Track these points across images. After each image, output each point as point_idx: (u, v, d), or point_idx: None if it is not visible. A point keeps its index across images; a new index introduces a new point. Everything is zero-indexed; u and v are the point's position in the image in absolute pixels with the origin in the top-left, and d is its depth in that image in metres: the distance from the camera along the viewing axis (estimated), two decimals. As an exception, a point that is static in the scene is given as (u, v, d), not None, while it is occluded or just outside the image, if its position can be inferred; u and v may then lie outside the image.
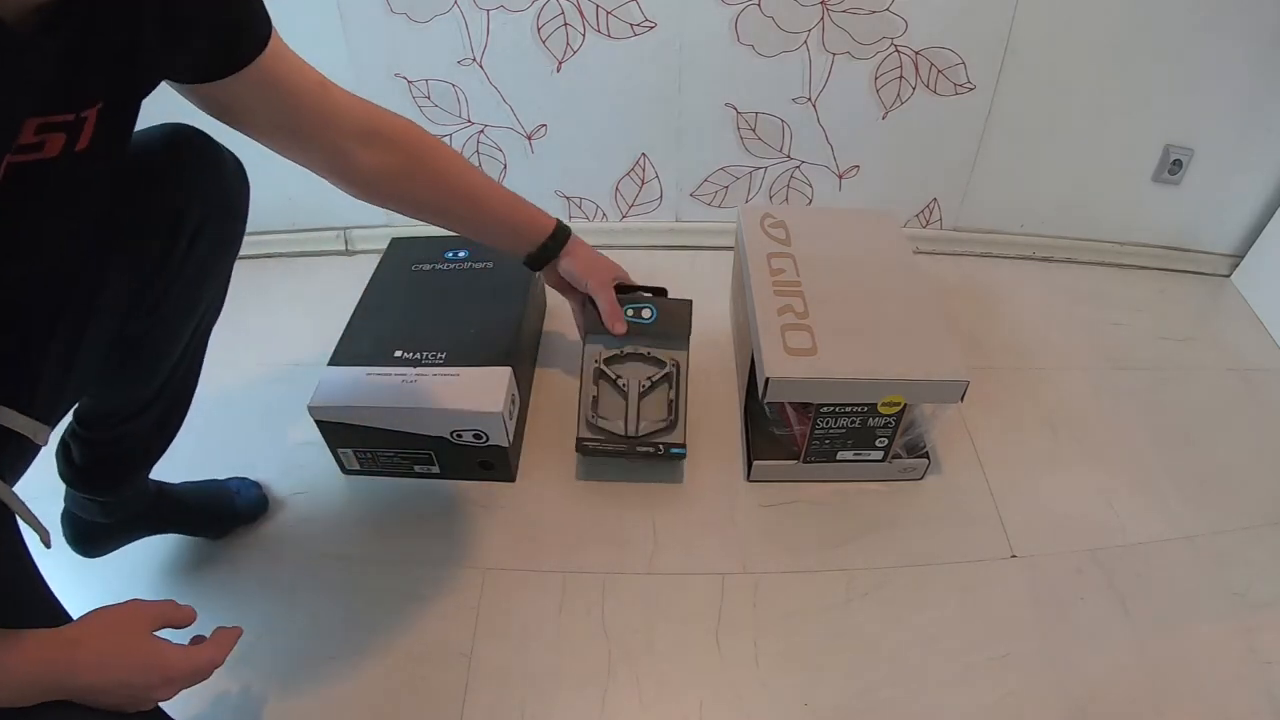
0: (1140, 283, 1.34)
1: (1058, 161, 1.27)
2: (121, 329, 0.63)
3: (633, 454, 0.91)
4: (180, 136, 0.61)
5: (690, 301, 0.98)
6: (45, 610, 0.55)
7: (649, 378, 0.94)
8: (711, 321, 1.21)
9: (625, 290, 0.98)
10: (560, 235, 0.90)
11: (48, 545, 0.55)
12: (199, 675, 0.56)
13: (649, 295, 0.99)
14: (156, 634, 0.55)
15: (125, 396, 0.70)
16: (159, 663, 0.54)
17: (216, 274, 0.69)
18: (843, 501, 0.96)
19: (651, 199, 1.34)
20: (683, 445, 0.92)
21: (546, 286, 1.03)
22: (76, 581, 0.86)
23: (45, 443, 0.57)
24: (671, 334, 0.96)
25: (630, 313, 0.95)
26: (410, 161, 0.73)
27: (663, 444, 0.92)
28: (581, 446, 0.92)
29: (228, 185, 0.65)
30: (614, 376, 0.94)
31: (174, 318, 0.67)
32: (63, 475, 0.74)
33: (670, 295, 1.00)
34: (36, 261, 0.52)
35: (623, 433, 0.92)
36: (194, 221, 0.62)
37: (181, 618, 0.58)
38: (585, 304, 0.96)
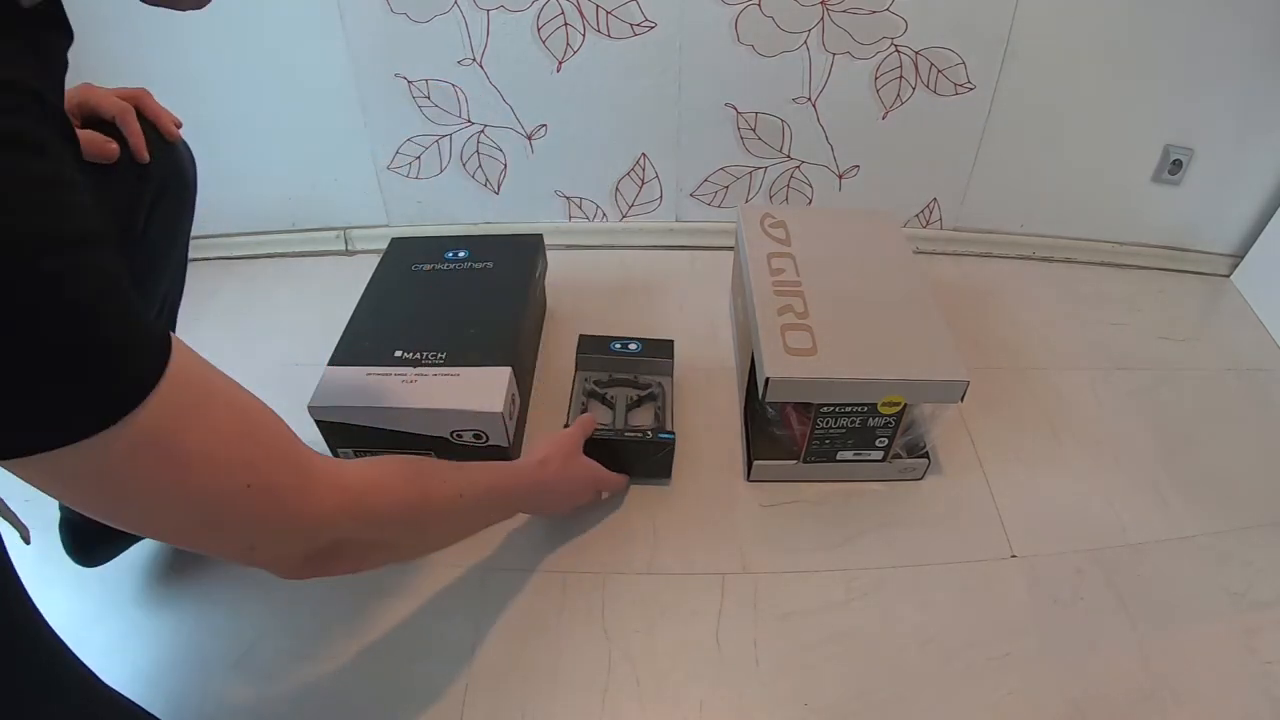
0: (1140, 283, 1.34)
1: (1058, 161, 1.27)
2: None
3: (619, 439, 0.92)
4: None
5: (671, 341, 1.06)
6: (20, 609, 0.54)
7: (636, 395, 1.02)
8: (711, 321, 1.22)
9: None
10: None
11: (27, 541, 0.55)
12: (619, 485, 0.90)
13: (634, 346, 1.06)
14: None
15: None
16: (595, 476, 0.85)
17: (176, 246, 0.69)
18: (843, 501, 0.96)
19: (651, 199, 1.34)
20: (671, 431, 0.94)
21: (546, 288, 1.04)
22: (74, 582, 0.86)
23: None
24: (656, 363, 1.04)
25: (618, 346, 1.04)
26: None
27: (650, 429, 0.95)
28: None
29: (179, 154, 0.65)
30: (602, 393, 1.02)
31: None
32: None
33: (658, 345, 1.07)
34: None
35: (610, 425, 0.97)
36: (153, 191, 0.62)
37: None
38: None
